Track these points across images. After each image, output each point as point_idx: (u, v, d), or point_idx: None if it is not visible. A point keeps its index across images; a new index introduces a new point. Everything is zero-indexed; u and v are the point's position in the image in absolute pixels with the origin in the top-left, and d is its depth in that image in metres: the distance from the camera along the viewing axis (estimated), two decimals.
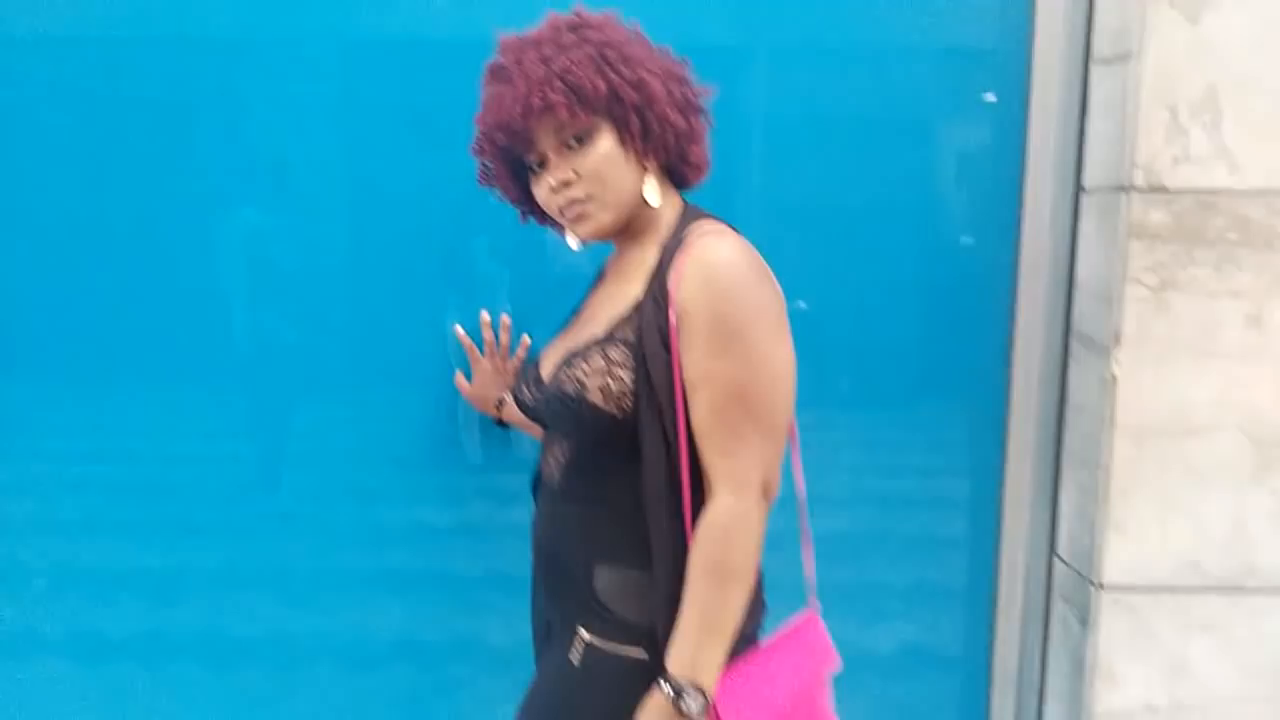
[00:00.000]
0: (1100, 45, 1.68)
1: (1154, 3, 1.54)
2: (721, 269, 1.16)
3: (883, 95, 1.81)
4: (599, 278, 1.48)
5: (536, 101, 1.19)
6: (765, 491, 1.19)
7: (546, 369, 1.35)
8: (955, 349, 1.86)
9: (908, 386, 1.88)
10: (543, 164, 1.27)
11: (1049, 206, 1.76)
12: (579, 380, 1.21)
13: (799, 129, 1.81)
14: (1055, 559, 1.82)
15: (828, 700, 1.35)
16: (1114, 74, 1.63)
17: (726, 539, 1.15)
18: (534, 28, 1.27)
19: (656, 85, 1.23)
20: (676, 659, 1.16)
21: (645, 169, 1.27)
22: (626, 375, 1.19)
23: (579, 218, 1.26)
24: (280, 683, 1.98)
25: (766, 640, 1.32)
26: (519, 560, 1.67)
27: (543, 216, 1.42)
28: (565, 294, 1.53)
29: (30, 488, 1.95)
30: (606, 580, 1.24)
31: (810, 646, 1.33)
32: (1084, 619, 1.69)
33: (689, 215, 1.30)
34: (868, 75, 1.80)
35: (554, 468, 1.33)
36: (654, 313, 1.19)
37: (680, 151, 1.29)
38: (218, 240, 1.86)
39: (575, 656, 1.25)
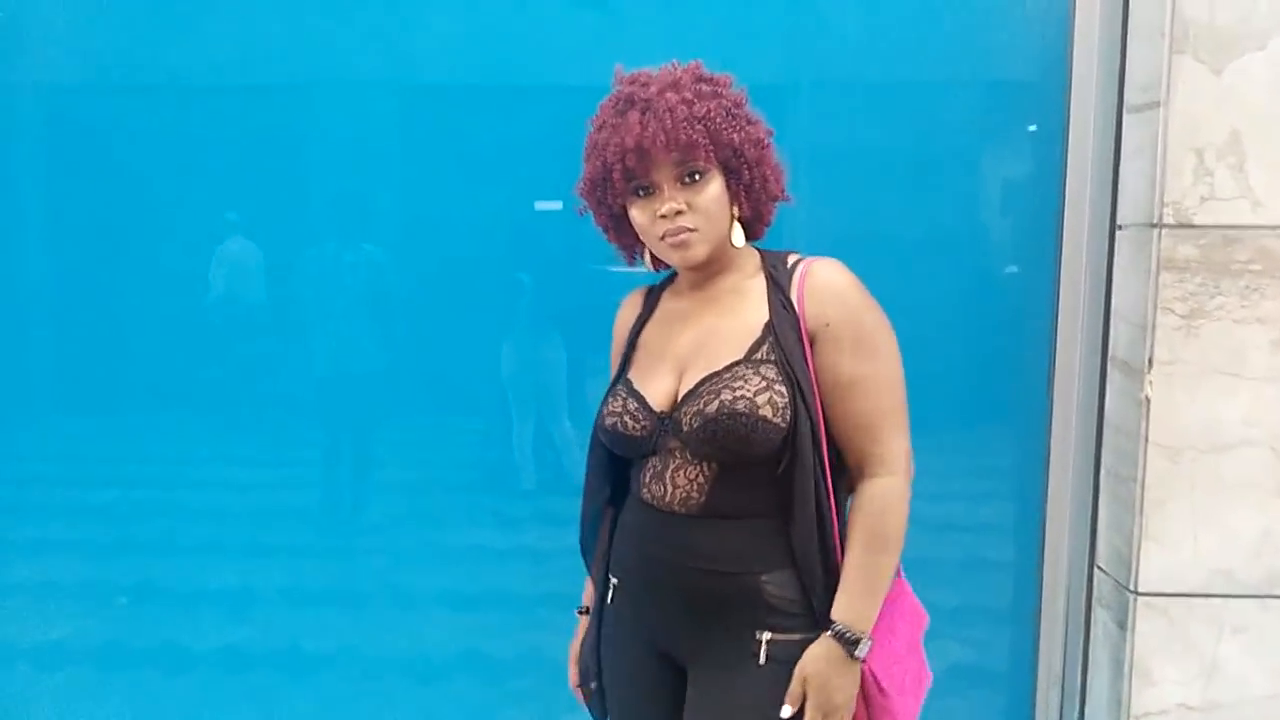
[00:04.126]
0: (1131, 95, 1.83)
1: (1179, 56, 1.69)
2: (851, 287, 1.34)
3: (933, 132, 1.96)
4: (660, 311, 1.49)
5: (682, 137, 1.29)
6: (910, 470, 1.35)
7: (659, 396, 1.39)
8: (999, 376, 2.00)
9: (954, 413, 2.00)
10: (648, 191, 1.35)
11: (1086, 241, 1.90)
12: (748, 398, 1.29)
13: (856, 162, 1.95)
14: (1095, 569, 1.94)
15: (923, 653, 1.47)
16: (1144, 121, 1.77)
17: (885, 514, 1.32)
18: (663, 70, 1.36)
19: (769, 150, 1.39)
20: (845, 612, 1.31)
21: (734, 215, 1.38)
22: (785, 389, 1.29)
23: (683, 244, 1.34)
24: (350, 695, 2.08)
25: None
26: (574, 579, 1.74)
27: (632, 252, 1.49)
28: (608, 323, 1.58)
29: (118, 513, 2.08)
30: (779, 584, 1.33)
31: (906, 607, 1.44)
32: (1122, 623, 1.81)
33: (764, 251, 1.43)
34: (921, 113, 1.95)
35: (687, 491, 1.35)
36: (788, 330, 1.32)
37: (763, 208, 1.42)
38: (291, 278, 2.00)
39: (760, 658, 1.33)
